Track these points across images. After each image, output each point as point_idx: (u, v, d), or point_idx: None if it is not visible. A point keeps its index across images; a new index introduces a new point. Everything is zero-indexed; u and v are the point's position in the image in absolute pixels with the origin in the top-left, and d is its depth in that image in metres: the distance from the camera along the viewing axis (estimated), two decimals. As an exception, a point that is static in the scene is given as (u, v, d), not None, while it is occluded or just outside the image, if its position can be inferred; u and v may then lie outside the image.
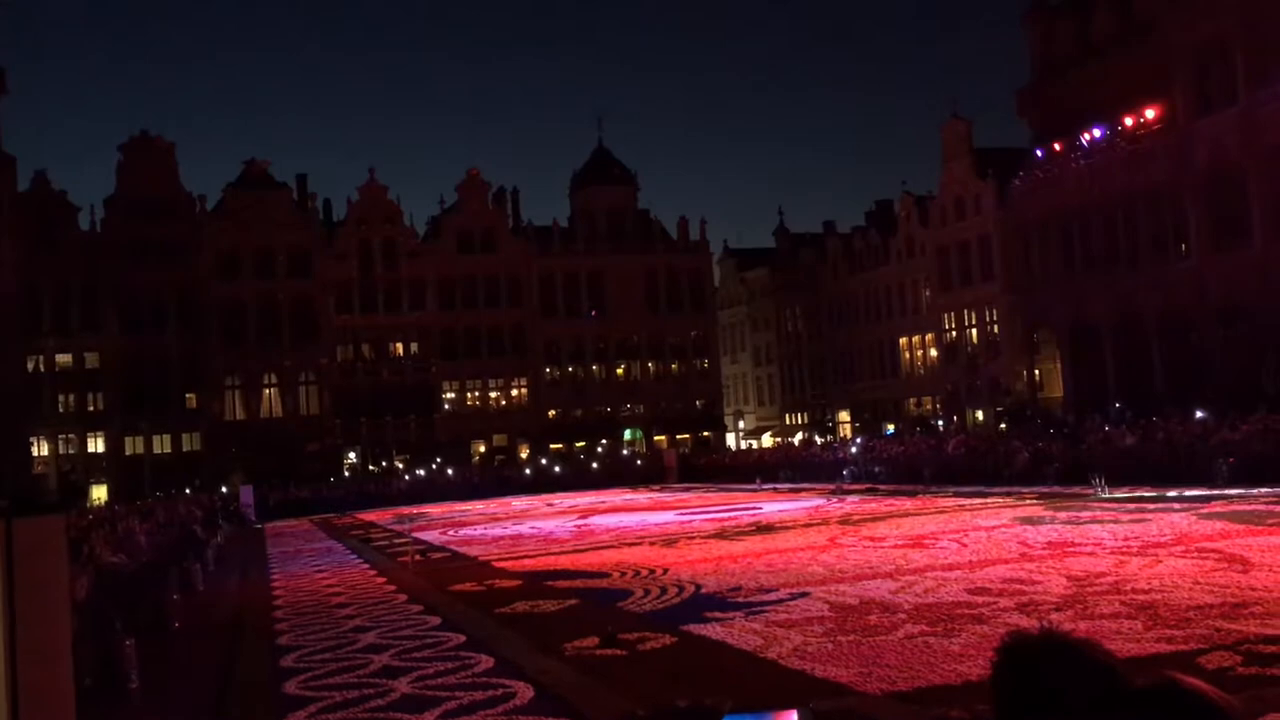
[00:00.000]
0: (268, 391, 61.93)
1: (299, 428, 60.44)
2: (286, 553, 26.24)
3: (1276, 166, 37.82)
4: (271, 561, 24.16)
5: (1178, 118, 41.22)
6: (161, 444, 59.46)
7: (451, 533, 27.86)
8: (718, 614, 11.57)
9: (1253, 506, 18.29)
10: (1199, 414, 30.13)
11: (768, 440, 69.55)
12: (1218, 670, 7.68)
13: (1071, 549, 14.67)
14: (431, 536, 26.78)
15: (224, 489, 51.04)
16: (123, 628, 10.97)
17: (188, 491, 49.99)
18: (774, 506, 27.94)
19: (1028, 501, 23.09)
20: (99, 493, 56.09)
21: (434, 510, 40.03)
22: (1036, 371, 51.58)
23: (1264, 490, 20.66)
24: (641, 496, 39.53)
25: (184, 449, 59.87)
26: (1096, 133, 43.98)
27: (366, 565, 21.08)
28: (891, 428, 57.41)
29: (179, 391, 59.50)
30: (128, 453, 58.61)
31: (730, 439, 72.94)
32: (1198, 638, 8.70)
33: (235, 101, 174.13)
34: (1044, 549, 14.91)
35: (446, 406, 64.94)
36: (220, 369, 60.30)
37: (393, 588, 16.76)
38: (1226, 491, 21.26)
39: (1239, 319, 39.22)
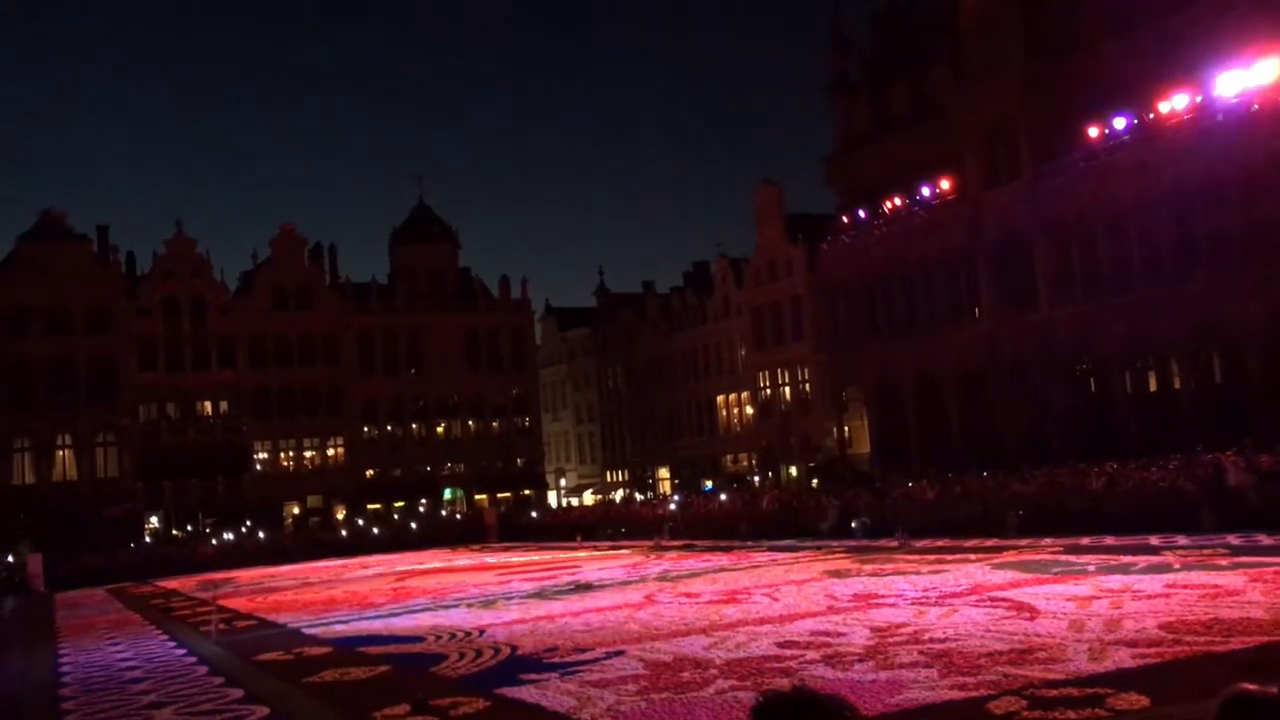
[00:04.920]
0: (61, 453, 58.35)
1: (96, 491, 57.09)
2: (78, 624, 24.68)
3: (1058, 238, 40.73)
4: (60, 635, 22.67)
5: (969, 190, 43.96)
6: (-61, 511, 55.12)
7: (260, 599, 26.77)
8: (533, 675, 11.52)
9: (1040, 556, 19.41)
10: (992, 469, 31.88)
11: (589, 498, 69.69)
12: (1005, 714, 8.12)
13: (875, 601, 15.24)
14: (238, 604, 25.66)
15: (10, 558, 47.60)
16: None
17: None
18: (593, 565, 27.96)
19: (836, 555, 23.85)
20: None
21: (243, 575, 38.38)
22: (845, 428, 53.55)
23: (1050, 540, 21.96)
24: (461, 557, 38.90)
25: (-36, 516, 55.61)
26: (896, 201, 46.46)
27: (165, 636, 20.03)
28: (710, 484, 58.43)
29: (-40, 454, 55.43)
30: (-101, 520, 54.08)
31: (551, 497, 72.74)
32: (988, 684, 9.17)
33: (33, 148, 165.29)
34: (850, 601, 15.44)
35: (258, 467, 62.60)
36: (8, 430, 56.49)
37: (193, 660, 15.99)
38: (1017, 542, 22.49)
39: (1026, 379, 41.82)
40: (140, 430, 59.33)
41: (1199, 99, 35.08)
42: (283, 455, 64.05)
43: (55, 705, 12.88)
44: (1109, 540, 20.93)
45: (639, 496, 60.61)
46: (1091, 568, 16.90)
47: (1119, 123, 37.49)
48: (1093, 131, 38.31)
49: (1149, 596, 13.28)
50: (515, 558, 34.99)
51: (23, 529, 52.33)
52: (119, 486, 58.11)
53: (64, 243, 58.89)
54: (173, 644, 18.58)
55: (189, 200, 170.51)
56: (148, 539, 56.79)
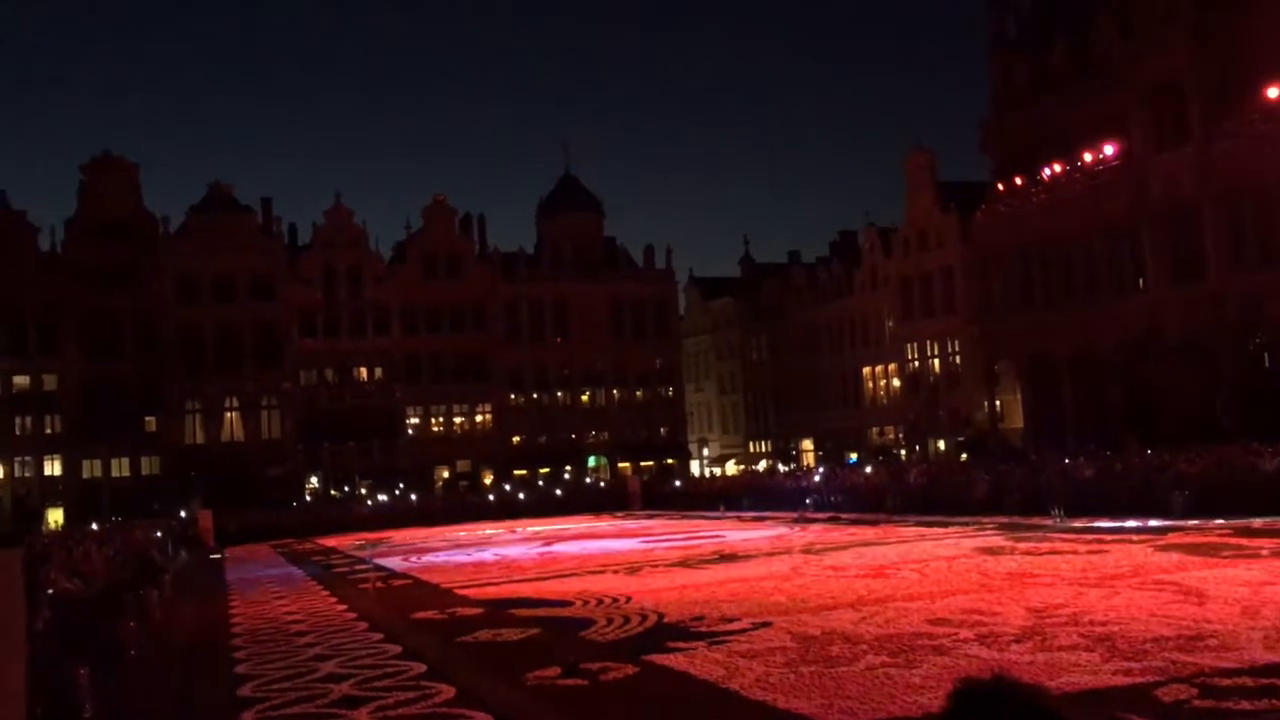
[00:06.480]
0: (228, 415, 61.35)
1: (260, 452, 59.85)
2: (246, 579, 25.92)
3: (1230, 203, 38.56)
4: (230, 588, 23.84)
5: (1134, 154, 41.95)
6: (120, 467, 58.71)
7: (414, 559, 27.62)
8: (680, 643, 11.57)
9: (1208, 538, 18.50)
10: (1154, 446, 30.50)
11: (731, 468, 69.65)
12: (1174, 703, 7.79)
13: (1030, 580, 14.79)
14: (394, 563, 26.54)
15: (183, 513, 50.35)
16: (77, 656, 10.80)
17: (147, 516, 49.20)
18: (737, 535, 27.94)
19: (988, 531, 23.24)
20: (55, 516, 55.18)
21: (397, 536, 39.67)
22: (997, 402, 52.07)
23: (1219, 522, 20.91)
24: (605, 523, 39.38)
25: (142, 472, 59.10)
26: (1056, 167, 44.67)
27: (327, 592, 20.86)
28: (854, 456, 57.69)
29: (137, 415, 58.77)
30: (85, 476, 57.85)
31: (694, 466, 72.96)
32: (1155, 670, 8.80)
33: (202, 123, 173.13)
34: (1003, 580, 15.02)
35: (410, 432, 64.59)
36: (180, 392, 59.66)
37: (353, 615, 16.60)
38: (1183, 523, 21.48)
39: (1193, 353, 39.83)
40: (301, 394, 61.88)
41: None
42: (433, 420, 65.87)
43: (228, 654, 13.56)
44: (1284, 524, 19.80)
45: (782, 468, 60.26)
46: (1265, 552, 16.04)
47: (1301, 80, 35.19)
48: (1272, 91, 36.05)
49: (1331, 584, 12.53)
50: (659, 525, 35.24)
51: (194, 486, 55.27)
52: (281, 447, 60.78)
53: (231, 214, 61.66)
54: (334, 599, 19.35)
55: (346, 170, 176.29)
56: (308, 498, 59.28)
